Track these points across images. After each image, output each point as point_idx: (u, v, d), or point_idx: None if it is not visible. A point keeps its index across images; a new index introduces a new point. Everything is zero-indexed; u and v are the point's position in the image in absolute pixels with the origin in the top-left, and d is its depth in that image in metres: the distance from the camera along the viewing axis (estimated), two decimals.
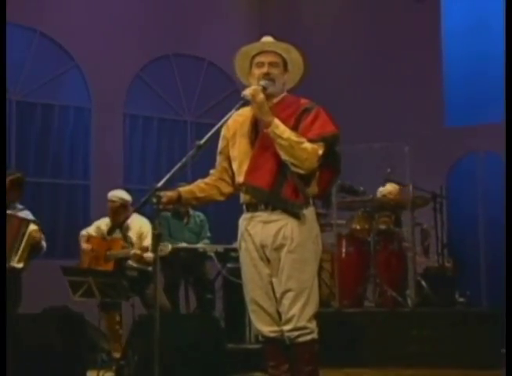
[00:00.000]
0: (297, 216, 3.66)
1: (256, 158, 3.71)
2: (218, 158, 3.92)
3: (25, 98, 9.64)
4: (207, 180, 3.92)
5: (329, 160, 3.73)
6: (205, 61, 10.97)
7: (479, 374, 6.08)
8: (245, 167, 3.73)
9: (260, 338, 3.84)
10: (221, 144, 3.90)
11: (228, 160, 3.86)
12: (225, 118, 3.65)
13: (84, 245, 6.77)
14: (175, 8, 10.59)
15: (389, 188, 7.63)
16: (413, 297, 7.25)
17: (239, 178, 3.76)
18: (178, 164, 3.55)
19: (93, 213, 9.20)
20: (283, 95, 3.81)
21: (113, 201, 6.84)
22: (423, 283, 7.39)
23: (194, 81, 10.85)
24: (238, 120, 3.83)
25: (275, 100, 3.77)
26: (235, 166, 3.81)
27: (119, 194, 6.92)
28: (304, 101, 3.78)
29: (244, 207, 3.78)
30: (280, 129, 3.62)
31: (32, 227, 6.19)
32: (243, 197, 3.77)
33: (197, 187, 3.88)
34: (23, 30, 9.61)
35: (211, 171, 3.95)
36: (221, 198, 3.92)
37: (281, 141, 3.61)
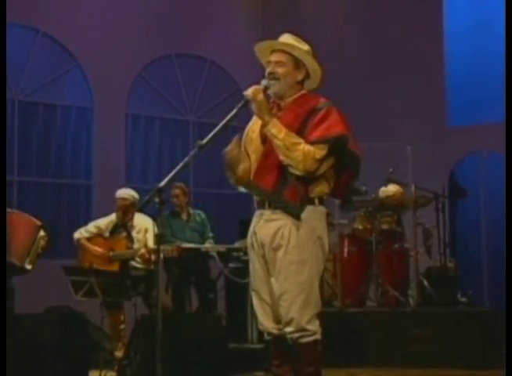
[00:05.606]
0: (296, 217, 3.65)
1: (263, 158, 3.74)
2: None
3: (27, 98, 9.64)
4: None
5: (346, 162, 3.72)
6: (207, 61, 10.97)
7: (481, 374, 6.08)
8: (255, 165, 3.76)
9: (266, 335, 3.85)
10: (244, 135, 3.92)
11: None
12: (227, 118, 3.65)
13: (96, 248, 6.77)
14: (177, 7, 10.59)
15: (392, 189, 7.60)
16: (415, 297, 7.25)
17: (251, 176, 3.80)
18: (180, 164, 3.56)
19: (95, 213, 9.20)
20: (300, 93, 3.80)
21: (124, 199, 6.85)
22: (425, 282, 7.39)
23: (196, 81, 10.85)
24: None
25: (290, 99, 3.78)
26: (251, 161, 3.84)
27: (131, 192, 6.96)
28: (318, 100, 3.74)
29: (255, 204, 3.81)
30: (277, 129, 3.63)
31: (41, 233, 6.27)
32: (254, 195, 3.81)
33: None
34: (25, 29, 9.61)
35: None
36: None
37: (277, 141, 3.62)
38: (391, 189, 7.60)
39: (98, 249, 6.75)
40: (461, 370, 6.19)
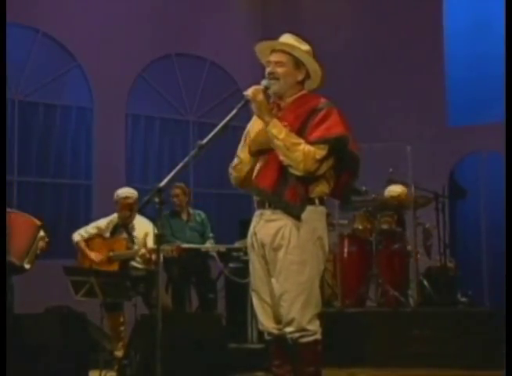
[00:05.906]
0: (297, 218, 3.65)
1: (265, 159, 3.74)
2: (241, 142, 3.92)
3: (27, 98, 9.64)
4: None
5: (345, 163, 3.73)
6: (207, 61, 10.97)
7: (481, 374, 6.08)
8: (258, 166, 3.77)
9: (266, 335, 3.85)
10: (244, 133, 3.90)
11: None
12: (228, 118, 3.65)
13: (92, 255, 6.77)
14: (177, 7, 10.59)
15: (397, 190, 7.59)
16: (415, 297, 7.25)
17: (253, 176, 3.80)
18: (180, 164, 3.56)
19: (95, 213, 9.21)
20: (301, 93, 3.80)
21: (128, 198, 6.86)
22: (426, 283, 7.39)
23: (196, 81, 10.85)
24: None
25: (290, 99, 3.79)
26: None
27: (131, 190, 7.00)
28: (318, 101, 3.74)
29: (255, 204, 3.82)
30: (277, 130, 3.63)
31: (41, 233, 6.28)
32: (254, 195, 3.82)
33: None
34: (25, 29, 9.61)
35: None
36: None
37: (277, 141, 3.63)
38: (397, 189, 7.58)
39: (93, 258, 6.73)
40: (461, 370, 6.19)
